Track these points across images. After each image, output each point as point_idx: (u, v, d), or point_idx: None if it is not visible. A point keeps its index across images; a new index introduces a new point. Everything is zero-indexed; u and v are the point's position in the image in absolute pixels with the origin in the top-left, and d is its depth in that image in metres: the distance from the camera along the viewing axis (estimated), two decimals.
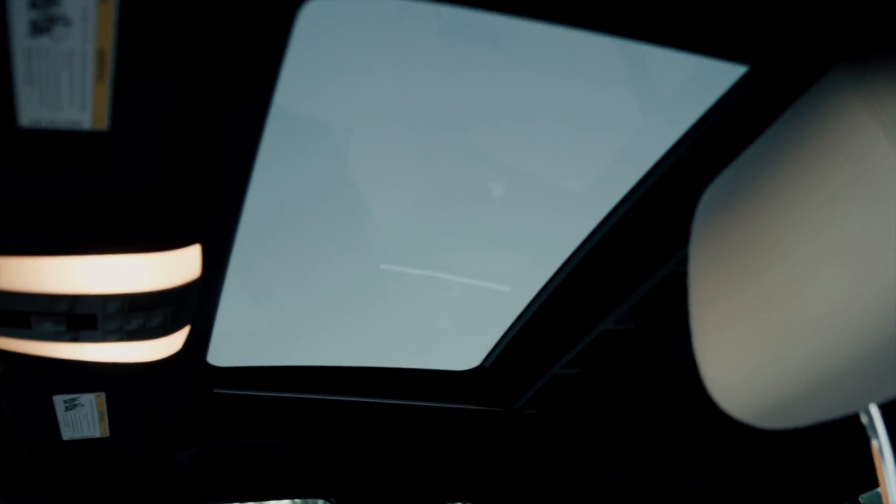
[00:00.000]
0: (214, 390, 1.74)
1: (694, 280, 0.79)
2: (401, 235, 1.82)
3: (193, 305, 1.15)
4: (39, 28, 0.67)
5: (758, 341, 0.70)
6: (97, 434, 1.63)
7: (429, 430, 2.07)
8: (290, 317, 2.00)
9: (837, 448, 2.16)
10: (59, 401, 1.46)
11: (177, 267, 1.02)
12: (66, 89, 0.73)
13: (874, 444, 1.50)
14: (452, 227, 1.80)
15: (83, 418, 1.55)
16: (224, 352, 1.68)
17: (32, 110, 0.75)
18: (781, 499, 2.39)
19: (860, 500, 2.37)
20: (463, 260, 1.87)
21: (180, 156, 0.87)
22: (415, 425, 2.04)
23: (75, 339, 1.14)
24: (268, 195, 1.47)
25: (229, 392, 1.77)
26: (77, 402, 1.48)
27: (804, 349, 0.66)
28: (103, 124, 0.78)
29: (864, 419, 1.52)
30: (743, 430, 2.07)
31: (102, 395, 1.47)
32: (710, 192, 0.81)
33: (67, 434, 1.61)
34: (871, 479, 2.31)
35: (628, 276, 1.44)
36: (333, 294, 1.94)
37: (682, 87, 1.33)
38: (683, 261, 1.32)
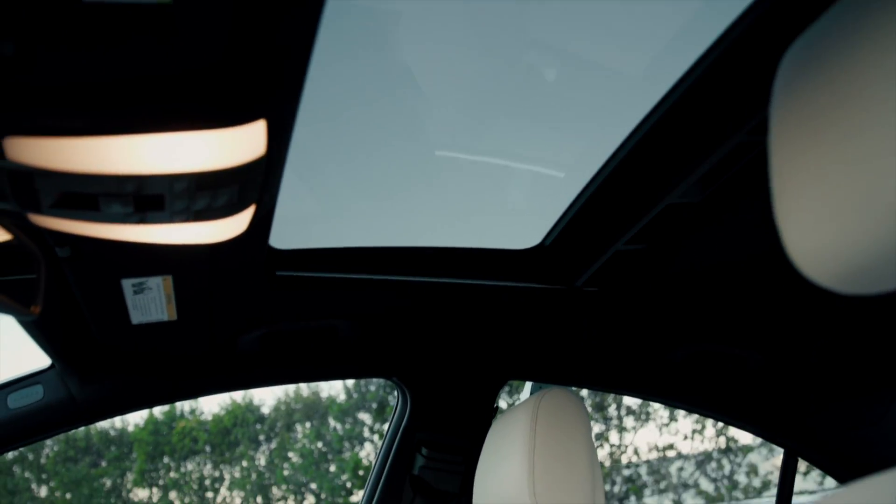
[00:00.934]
0: (277, 272, 1.76)
1: (775, 143, 0.77)
2: (455, 121, 1.80)
3: (259, 184, 1.14)
4: None
5: (842, 204, 0.68)
6: (165, 317, 1.66)
7: (490, 309, 2.08)
8: (348, 200, 1.99)
9: None
10: (127, 284, 1.49)
11: (242, 144, 1.01)
12: None
13: None
14: (507, 112, 1.77)
15: (151, 301, 1.57)
16: (284, 235, 1.69)
17: None
18: (841, 377, 2.39)
19: None
20: (519, 145, 1.84)
21: (244, 28, 0.85)
22: (476, 304, 2.05)
23: (143, 220, 1.14)
24: (323, 79, 1.45)
25: (292, 274, 1.79)
26: (145, 286, 1.51)
27: (890, 211, 0.64)
28: None
29: None
30: (806, 308, 2.05)
31: (169, 278, 1.49)
32: (793, 52, 0.78)
33: (136, 318, 1.64)
34: None
35: (695, 147, 1.41)
36: (391, 178, 1.93)
37: None
38: (754, 130, 1.29)
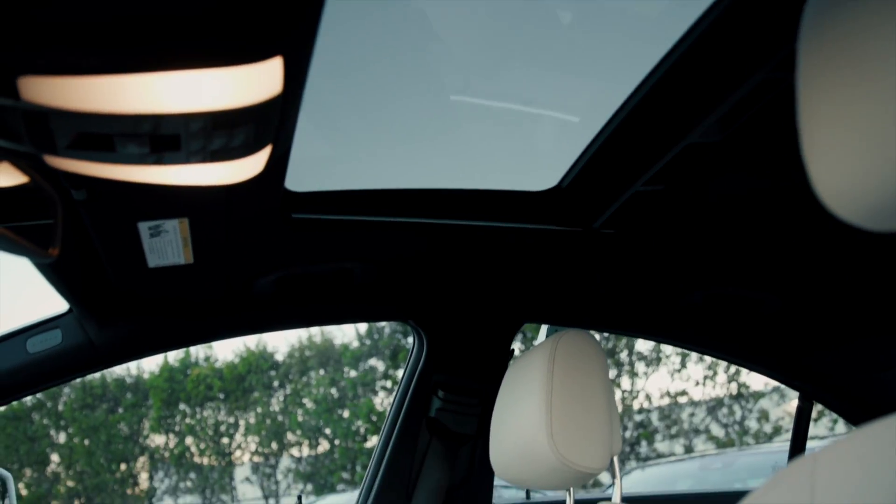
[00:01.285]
0: (293, 215, 1.75)
1: (803, 78, 0.75)
2: (470, 66, 1.78)
3: (275, 123, 1.13)
4: None
5: (872, 139, 0.67)
6: (181, 261, 1.66)
7: (506, 251, 2.07)
8: (364, 143, 1.99)
9: None
10: (143, 227, 1.48)
11: (258, 81, 0.99)
12: None
13: None
14: (522, 55, 1.75)
15: (167, 245, 1.57)
16: (300, 177, 1.68)
17: None
18: (857, 319, 2.38)
19: None
20: (534, 88, 1.83)
21: None
22: (492, 246, 2.04)
23: (159, 161, 1.13)
24: (338, 22, 1.43)
25: (308, 217, 1.78)
26: (161, 229, 1.50)
27: None
28: None
29: None
30: (825, 250, 2.04)
31: (185, 221, 1.49)
32: None
33: (153, 261, 1.64)
34: None
35: (716, 85, 1.38)
36: (407, 122, 1.92)
37: None
38: (778, 66, 1.26)
